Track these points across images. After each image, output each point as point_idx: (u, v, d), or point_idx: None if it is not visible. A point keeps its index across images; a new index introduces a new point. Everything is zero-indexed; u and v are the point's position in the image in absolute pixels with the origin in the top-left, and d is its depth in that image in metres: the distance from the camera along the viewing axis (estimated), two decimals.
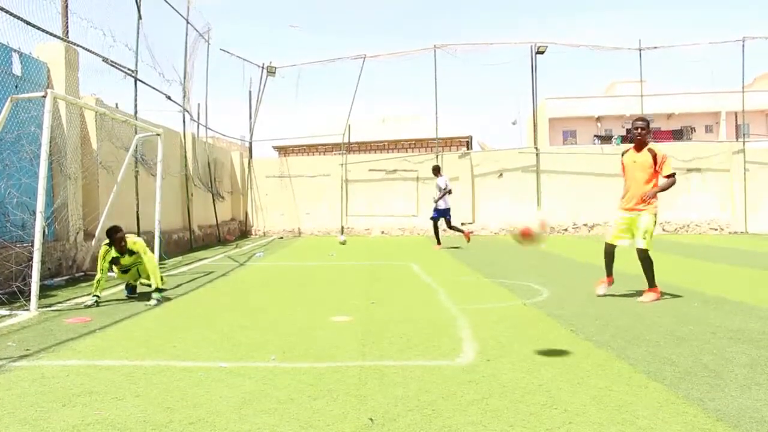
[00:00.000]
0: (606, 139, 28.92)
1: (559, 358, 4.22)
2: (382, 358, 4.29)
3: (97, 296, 6.79)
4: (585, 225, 20.33)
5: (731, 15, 73.68)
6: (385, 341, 4.80)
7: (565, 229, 20.35)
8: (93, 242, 9.59)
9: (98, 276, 6.85)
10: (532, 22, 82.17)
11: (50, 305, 6.63)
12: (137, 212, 11.57)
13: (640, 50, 20.29)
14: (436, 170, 14.60)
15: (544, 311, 6.03)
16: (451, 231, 14.93)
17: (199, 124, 17.63)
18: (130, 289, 7.43)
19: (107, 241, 7.01)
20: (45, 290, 7.50)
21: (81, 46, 9.76)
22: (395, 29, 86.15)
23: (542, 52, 20.38)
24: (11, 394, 3.56)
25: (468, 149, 25.26)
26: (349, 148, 22.04)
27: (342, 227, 20.81)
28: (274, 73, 21.66)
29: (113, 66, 10.88)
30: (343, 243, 15.74)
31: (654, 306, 6.22)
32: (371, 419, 3.10)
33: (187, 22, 15.94)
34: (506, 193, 20.47)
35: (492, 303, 6.63)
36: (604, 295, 6.83)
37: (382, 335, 5.01)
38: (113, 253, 7.00)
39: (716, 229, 19.88)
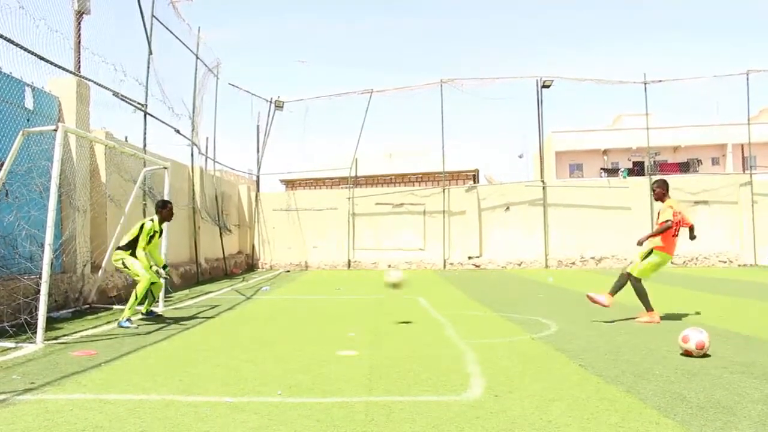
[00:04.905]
0: (613, 172, 29.01)
1: (569, 394, 4.15)
2: (389, 394, 4.24)
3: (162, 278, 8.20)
4: (593, 258, 20.24)
5: (736, 48, 74.41)
6: (392, 376, 4.75)
7: (573, 263, 20.26)
8: (100, 274, 9.60)
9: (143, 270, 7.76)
10: (538, 56, 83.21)
11: (56, 338, 6.61)
12: None
13: (645, 84, 20.48)
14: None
15: (552, 346, 5.96)
16: None
17: (207, 157, 17.82)
18: (150, 312, 8.25)
19: (150, 219, 8.11)
20: (51, 323, 7.49)
21: (92, 81, 9.94)
22: (402, 64, 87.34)
23: (548, 86, 20.63)
24: (15, 428, 3.52)
25: (475, 183, 25.40)
26: (356, 181, 22.16)
27: (348, 260, 20.76)
28: (282, 107, 21.96)
29: (123, 100, 11.06)
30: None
31: (664, 340, 6.14)
32: None
33: (197, 58, 16.25)
34: (514, 227, 20.46)
35: (500, 338, 6.56)
36: (611, 324, 6.76)
37: (389, 370, 4.96)
38: (157, 227, 8.05)
39: (725, 262, 19.75)
